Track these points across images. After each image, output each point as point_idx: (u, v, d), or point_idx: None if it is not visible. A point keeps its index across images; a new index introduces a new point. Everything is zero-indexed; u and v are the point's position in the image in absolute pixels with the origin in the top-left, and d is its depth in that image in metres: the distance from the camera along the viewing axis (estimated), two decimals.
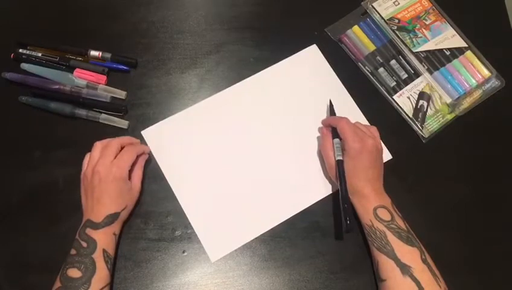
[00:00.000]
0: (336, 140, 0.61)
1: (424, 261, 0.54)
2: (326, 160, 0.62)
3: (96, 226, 0.55)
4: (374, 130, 0.63)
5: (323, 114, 0.68)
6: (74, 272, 0.52)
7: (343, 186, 0.58)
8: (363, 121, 0.68)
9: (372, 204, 0.57)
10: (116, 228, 0.57)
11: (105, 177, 0.56)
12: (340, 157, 0.60)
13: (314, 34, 0.73)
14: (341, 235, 0.62)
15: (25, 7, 0.74)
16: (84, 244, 0.54)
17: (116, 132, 0.66)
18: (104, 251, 0.54)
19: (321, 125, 0.67)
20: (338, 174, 0.59)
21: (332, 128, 0.63)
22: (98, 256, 0.54)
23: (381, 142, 0.63)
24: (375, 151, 0.59)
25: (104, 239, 0.55)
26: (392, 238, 0.55)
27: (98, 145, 0.60)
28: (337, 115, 0.67)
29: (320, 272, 0.61)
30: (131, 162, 0.59)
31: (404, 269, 0.53)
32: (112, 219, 0.56)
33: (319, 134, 0.67)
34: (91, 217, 0.56)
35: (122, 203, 0.58)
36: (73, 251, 0.54)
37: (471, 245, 0.64)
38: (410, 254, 0.54)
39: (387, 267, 0.54)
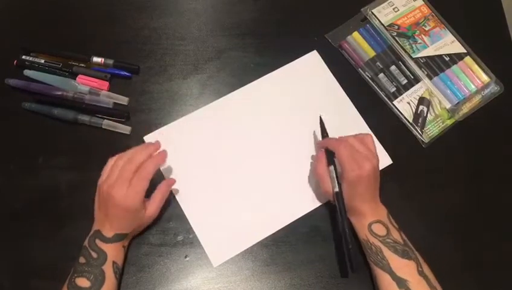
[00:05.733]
0: (331, 168, 0.60)
1: (421, 273, 0.54)
2: (322, 185, 0.61)
3: (106, 240, 0.55)
4: (369, 141, 0.60)
5: (324, 119, 0.68)
6: (83, 282, 0.52)
7: (345, 223, 0.57)
8: (364, 127, 0.69)
9: (368, 220, 0.57)
10: (125, 243, 0.58)
11: (118, 203, 0.54)
12: (337, 189, 0.59)
13: (314, 40, 0.74)
14: (347, 274, 0.61)
15: (28, 14, 0.74)
16: (95, 255, 0.54)
17: (119, 137, 0.66)
18: (113, 262, 0.55)
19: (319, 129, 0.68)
20: (339, 209, 0.58)
21: (327, 151, 0.62)
22: (107, 267, 0.54)
23: (377, 154, 0.60)
24: (372, 174, 0.58)
25: (113, 251, 0.55)
26: (387, 253, 0.55)
27: (118, 163, 0.57)
28: (336, 123, 0.66)
29: (321, 276, 0.61)
30: (145, 189, 0.56)
31: (401, 283, 0.53)
32: (121, 237, 0.56)
33: (320, 139, 0.68)
34: (102, 230, 0.56)
35: (131, 226, 0.57)
36: (82, 260, 0.54)
37: (470, 250, 0.64)
38: (406, 267, 0.54)
39: (384, 281, 0.54)
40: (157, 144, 0.60)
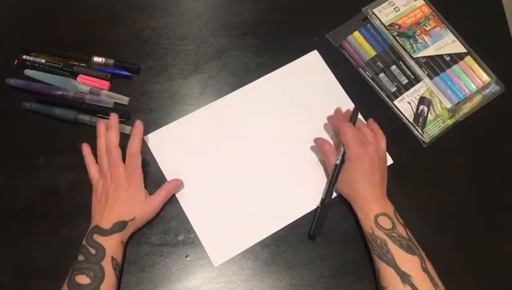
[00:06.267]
0: (342, 146, 0.62)
1: (425, 269, 0.54)
2: (328, 163, 0.63)
3: (104, 232, 0.55)
4: (380, 135, 0.64)
5: (324, 118, 0.69)
6: (83, 279, 0.52)
7: (330, 190, 0.61)
8: None
9: (374, 212, 0.57)
10: (123, 237, 0.58)
11: (121, 185, 0.58)
12: (338, 162, 0.61)
13: (315, 39, 0.74)
14: (313, 237, 0.62)
15: (29, 14, 0.74)
16: (93, 251, 0.54)
17: (119, 137, 0.66)
18: (112, 258, 0.55)
19: (320, 128, 0.68)
20: (330, 179, 0.61)
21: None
22: (106, 263, 0.54)
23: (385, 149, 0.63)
24: (376, 157, 0.60)
25: (112, 246, 0.55)
26: (392, 246, 0.55)
27: (101, 152, 0.61)
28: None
29: (322, 276, 0.61)
30: (140, 163, 0.60)
31: (404, 277, 0.53)
32: (119, 227, 0.56)
33: None
34: (100, 224, 0.56)
35: (131, 212, 0.58)
36: (81, 257, 0.54)
37: (470, 250, 0.64)
38: (410, 263, 0.54)
39: (387, 275, 0.54)
40: (114, 117, 0.62)
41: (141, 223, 0.60)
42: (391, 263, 0.54)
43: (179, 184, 0.63)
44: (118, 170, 0.59)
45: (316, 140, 0.65)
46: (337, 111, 0.68)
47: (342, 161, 0.61)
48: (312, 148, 0.67)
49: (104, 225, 0.56)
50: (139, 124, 0.62)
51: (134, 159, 0.59)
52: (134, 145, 0.60)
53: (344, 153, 0.61)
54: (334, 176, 0.61)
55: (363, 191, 0.59)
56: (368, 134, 0.63)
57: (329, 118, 0.67)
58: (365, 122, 0.67)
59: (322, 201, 0.62)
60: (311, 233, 0.61)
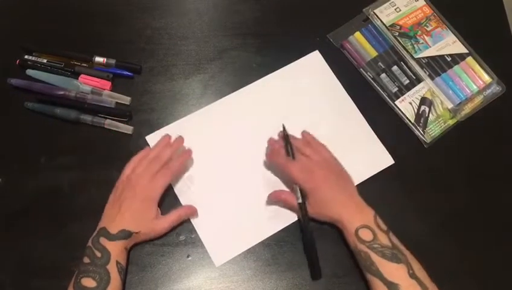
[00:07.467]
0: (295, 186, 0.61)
1: (412, 275, 0.53)
2: (293, 208, 0.62)
3: (110, 237, 0.55)
4: (319, 145, 0.64)
5: (326, 119, 0.69)
6: (89, 282, 0.52)
7: (308, 230, 0.60)
8: (366, 127, 0.69)
9: (353, 225, 0.57)
10: (127, 244, 0.58)
11: (138, 194, 0.58)
12: (300, 200, 0.60)
13: (316, 40, 0.74)
14: (316, 276, 0.61)
15: (30, 14, 0.74)
16: (98, 254, 0.54)
17: (121, 137, 0.66)
18: (117, 262, 0.55)
19: (322, 129, 0.68)
20: (302, 219, 0.61)
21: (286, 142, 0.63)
22: (112, 267, 0.54)
23: (336, 158, 0.62)
24: (332, 177, 0.60)
25: (116, 251, 0.55)
26: (376, 258, 0.55)
27: (143, 163, 0.61)
28: (338, 123, 0.67)
29: (323, 276, 0.61)
30: (166, 186, 0.60)
31: (392, 287, 0.53)
32: (125, 235, 0.56)
33: (321, 138, 0.68)
34: (108, 227, 0.56)
35: (139, 225, 0.58)
36: (86, 260, 0.54)
37: (472, 250, 0.64)
38: (396, 271, 0.54)
39: (375, 286, 0.54)
40: (180, 140, 0.64)
41: (144, 239, 0.60)
42: (377, 275, 0.54)
43: (193, 211, 0.62)
44: (144, 179, 0.59)
45: (270, 195, 0.63)
46: (271, 144, 0.66)
47: (303, 197, 0.61)
48: None
49: (112, 229, 0.56)
50: (189, 151, 0.64)
51: (164, 178, 0.60)
52: (174, 165, 0.61)
53: (300, 189, 0.60)
54: (304, 215, 0.60)
55: (339, 215, 0.58)
56: (302, 148, 0.62)
57: (266, 155, 0.66)
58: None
59: (305, 245, 0.61)
60: (313, 277, 0.60)
